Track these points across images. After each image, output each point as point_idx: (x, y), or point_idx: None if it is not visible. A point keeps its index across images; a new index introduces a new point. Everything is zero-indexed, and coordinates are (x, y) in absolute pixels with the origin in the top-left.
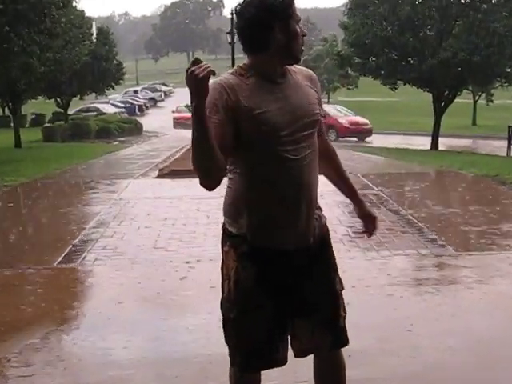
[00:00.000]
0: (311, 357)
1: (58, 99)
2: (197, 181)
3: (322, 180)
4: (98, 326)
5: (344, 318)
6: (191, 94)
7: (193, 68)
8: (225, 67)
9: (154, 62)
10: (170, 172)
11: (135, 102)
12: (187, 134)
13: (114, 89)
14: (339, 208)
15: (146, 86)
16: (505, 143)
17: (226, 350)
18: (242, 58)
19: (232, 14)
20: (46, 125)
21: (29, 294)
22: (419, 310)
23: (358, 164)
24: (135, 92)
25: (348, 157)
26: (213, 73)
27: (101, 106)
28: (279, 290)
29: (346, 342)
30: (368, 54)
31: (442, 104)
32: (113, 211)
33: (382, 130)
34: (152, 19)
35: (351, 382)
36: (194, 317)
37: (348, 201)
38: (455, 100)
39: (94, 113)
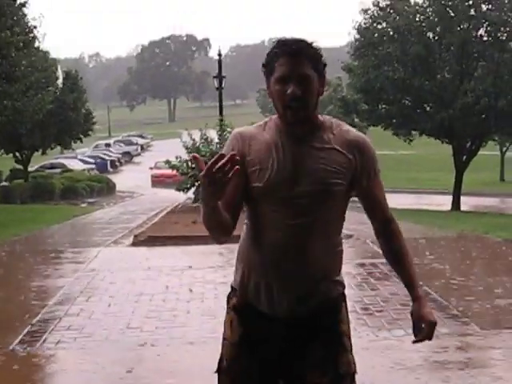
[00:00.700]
0: None
1: (17, 154)
2: (178, 250)
3: None
4: None
5: None
6: (205, 191)
7: (220, 164)
8: (212, 116)
9: (129, 111)
10: (147, 239)
11: (107, 157)
12: (167, 194)
13: (82, 142)
14: (344, 279)
15: (119, 138)
16: None
17: None
18: (231, 106)
19: (219, 55)
20: (3, 183)
21: None
22: None
23: (367, 228)
24: (107, 145)
25: (355, 220)
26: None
27: (67, 162)
28: (265, 360)
29: None
30: (377, 99)
31: (464, 157)
32: (79, 285)
33: (394, 188)
34: (127, 61)
35: None
36: None
37: (354, 271)
38: (479, 152)
39: (59, 170)
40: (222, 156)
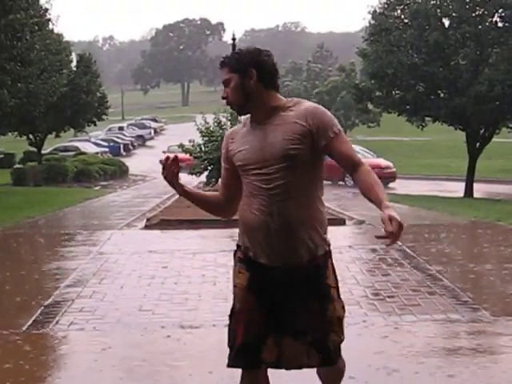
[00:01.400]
0: None
1: (31, 136)
2: (190, 233)
3: (333, 233)
4: None
5: (337, 342)
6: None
7: (162, 171)
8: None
9: (142, 94)
10: (160, 222)
11: (120, 141)
12: (181, 178)
13: (95, 125)
14: (356, 264)
15: (133, 121)
16: None
17: None
18: None
19: (233, 38)
20: (17, 166)
21: None
22: None
23: (380, 214)
24: (120, 129)
25: (368, 206)
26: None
27: (80, 145)
28: (269, 302)
29: (335, 362)
30: (391, 86)
31: (478, 144)
32: (92, 267)
33: (407, 174)
34: (141, 45)
35: None
36: None
37: (366, 256)
38: (493, 139)
39: (73, 152)
40: (167, 158)
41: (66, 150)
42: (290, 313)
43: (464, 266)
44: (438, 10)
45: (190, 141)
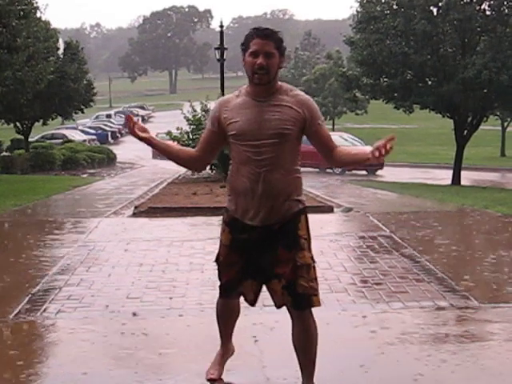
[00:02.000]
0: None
1: (18, 124)
2: (178, 221)
3: (321, 221)
4: None
5: (306, 288)
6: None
7: (125, 128)
8: (212, 88)
9: (130, 82)
10: (147, 210)
11: (108, 128)
12: (167, 166)
13: (83, 112)
14: (344, 252)
15: (120, 109)
16: None
17: None
18: (233, 78)
19: (221, 26)
20: (4, 154)
21: None
22: (437, 372)
23: (368, 201)
24: (108, 116)
25: (356, 193)
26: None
27: (68, 133)
28: (249, 256)
29: (305, 307)
30: (379, 73)
31: (465, 132)
32: (79, 255)
33: (395, 161)
34: (128, 32)
35: None
36: (175, 380)
37: (354, 244)
38: (480, 127)
39: (60, 140)
40: (128, 117)
41: (53, 137)
42: (266, 262)
43: (452, 253)
44: None
45: (177, 128)
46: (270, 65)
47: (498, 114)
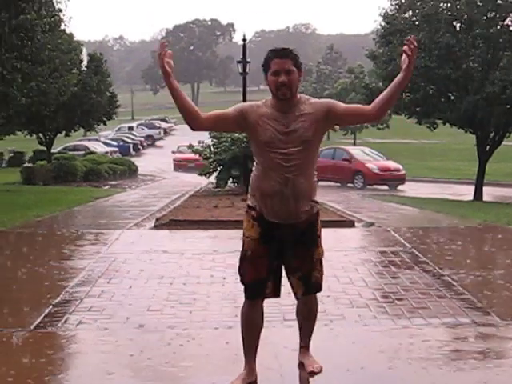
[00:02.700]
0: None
1: (41, 135)
2: (199, 234)
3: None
4: None
5: (318, 277)
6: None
7: (159, 52)
8: (235, 102)
9: (152, 95)
10: (169, 222)
11: (130, 141)
12: (189, 179)
13: (105, 124)
14: (365, 267)
15: (142, 121)
16: None
17: None
18: (255, 91)
19: (244, 39)
20: (26, 165)
21: None
22: None
23: (389, 216)
24: (130, 129)
25: (377, 208)
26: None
27: (90, 144)
28: (274, 250)
29: (315, 292)
30: None
31: (488, 147)
32: (101, 267)
33: (417, 176)
34: (151, 45)
35: None
36: None
37: (375, 259)
38: (503, 143)
39: (82, 152)
40: (162, 44)
41: (75, 149)
42: (289, 256)
43: (474, 269)
44: (449, 13)
45: (199, 142)
46: (290, 81)
47: None
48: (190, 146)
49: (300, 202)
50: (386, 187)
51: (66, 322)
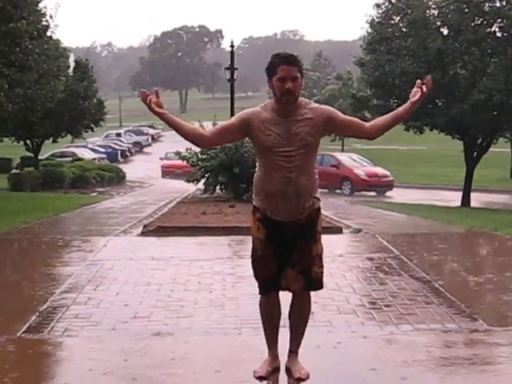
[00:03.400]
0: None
1: (28, 142)
2: (187, 240)
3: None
4: None
5: (318, 273)
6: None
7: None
8: (223, 108)
9: (140, 101)
10: (156, 229)
11: (117, 147)
12: (177, 185)
13: (93, 131)
14: (353, 273)
15: (130, 128)
16: None
17: None
18: (243, 98)
19: (232, 46)
20: (13, 171)
21: None
22: None
23: (377, 223)
24: (118, 135)
25: (365, 214)
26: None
27: (77, 151)
28: (281, 247)
29: (317, 288)
30: (389, 94)
31: (475, 153)
32: (88, 273)
33: (404, 183)
34: (139, 51)
35: None
36: None
37: (363, 265)
38: (490, 149)
39: (70, 158)
40: (143, 93)
41: (63, 155)
42: (292, 251)
43: (461, 275)
44: (437, 19)
45: (186, 148)
46: (296, 87)
47: (508, 136)
48: (178, 153)
49: (302, 199)
50: (373, 193)
51: (52, 329)
